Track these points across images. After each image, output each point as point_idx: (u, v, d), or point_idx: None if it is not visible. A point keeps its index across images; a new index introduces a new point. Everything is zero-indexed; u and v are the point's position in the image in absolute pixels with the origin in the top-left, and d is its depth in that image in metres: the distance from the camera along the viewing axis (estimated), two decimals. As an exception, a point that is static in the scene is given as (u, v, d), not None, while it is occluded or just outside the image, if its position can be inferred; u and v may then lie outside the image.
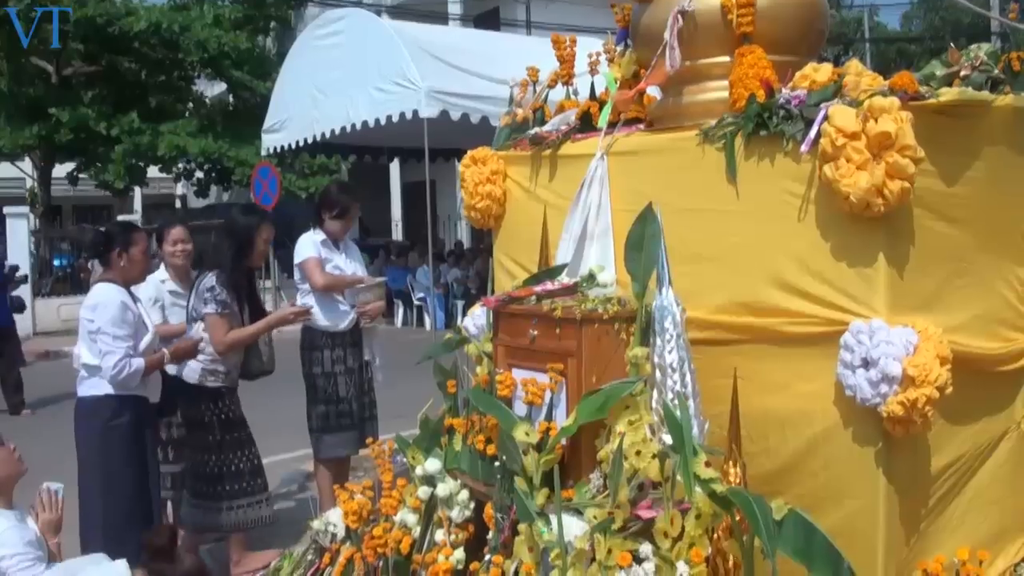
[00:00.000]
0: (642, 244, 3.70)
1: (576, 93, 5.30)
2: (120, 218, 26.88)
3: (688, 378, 3.54)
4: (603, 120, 4.59)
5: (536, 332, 3.86)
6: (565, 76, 5.26)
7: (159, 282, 6.19)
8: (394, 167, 27.54)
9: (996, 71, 3.88)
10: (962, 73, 3.83)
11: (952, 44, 4.04)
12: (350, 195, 6.60)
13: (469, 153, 5.16)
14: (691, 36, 4.22)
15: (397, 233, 29.37)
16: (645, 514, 3.26)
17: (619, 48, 5.09)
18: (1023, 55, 4.05)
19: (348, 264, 6.48)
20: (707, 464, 3.16)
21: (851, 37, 36.83)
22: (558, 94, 5.32)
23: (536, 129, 4.95)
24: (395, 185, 29.85)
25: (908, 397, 3.28)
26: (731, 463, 3.73)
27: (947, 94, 3.55)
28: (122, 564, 4.06)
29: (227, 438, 5.69)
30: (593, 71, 5.15)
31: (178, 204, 38.21)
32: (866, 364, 3.36)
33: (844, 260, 3.54)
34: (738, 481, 3.66)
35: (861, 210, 3.39)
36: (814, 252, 3.61)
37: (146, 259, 5.36)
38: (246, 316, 5.76)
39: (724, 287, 3.90)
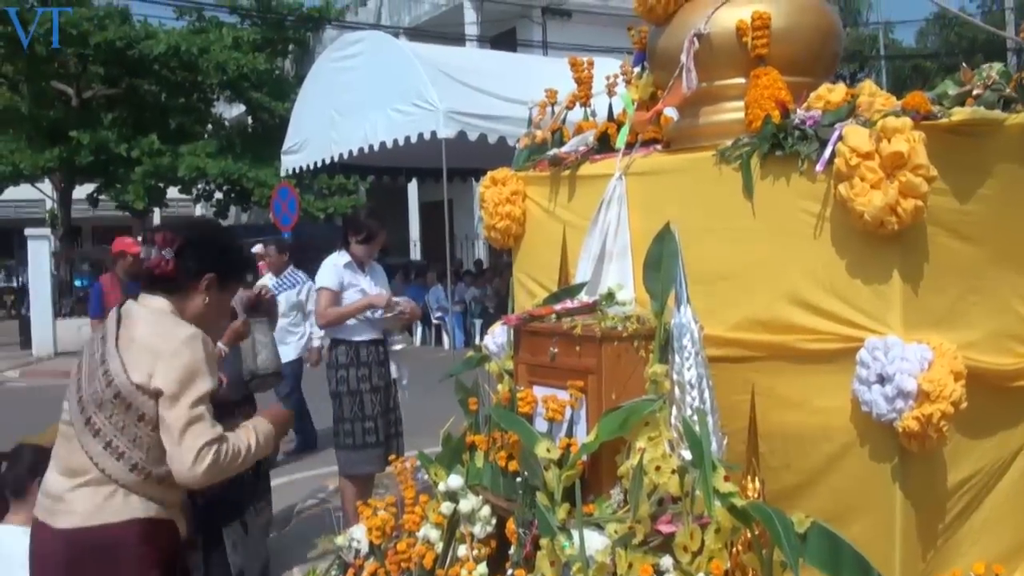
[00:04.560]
0: (660, 263, 3.75)
1: (594, 114, 5.36)
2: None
3: (707, 395, 3.59)
4: (621, 141, 4.64)
5: (556, 350, 3.92)
6: (583, 98, 5.33)
7: None
8: (412, 187, 27.61)
9: (1008, 90, 3.92)
10: (974, 92, 3.87)
11: (965, 63, 4.07)
12: (378, 221, 6.66)
13: (489, 174, 5.22)
14: (707, 58, 4.26)
15: (415, 253, 29.45)
16: (665, 528, 3.31)
17: (636, 70, 5.14)
18: (1035, 74, 4.09)
19: (373, 287, 6.55)
20: (726, 479, 3.21)
21: (867, 54, 36.78)
22: (576, 115, 5.39)
23: (555, 150, 5.01)
24: (413, 205, 29.91)
25: (923, 412, 3.31)
26: (750, 478, 3.78)
27: (959, 113, 3.60)
28: None
29: None
30: (611, 92, 5.21)
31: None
32: (882, 380, 3.40)
33: (859, 277, 3.58)
34: (757, 495, 3.71)
35: (875, 228, 3.44)
36: (830, 270, 3.65)
37: None
38: None
39: (741, 305, 3.95)
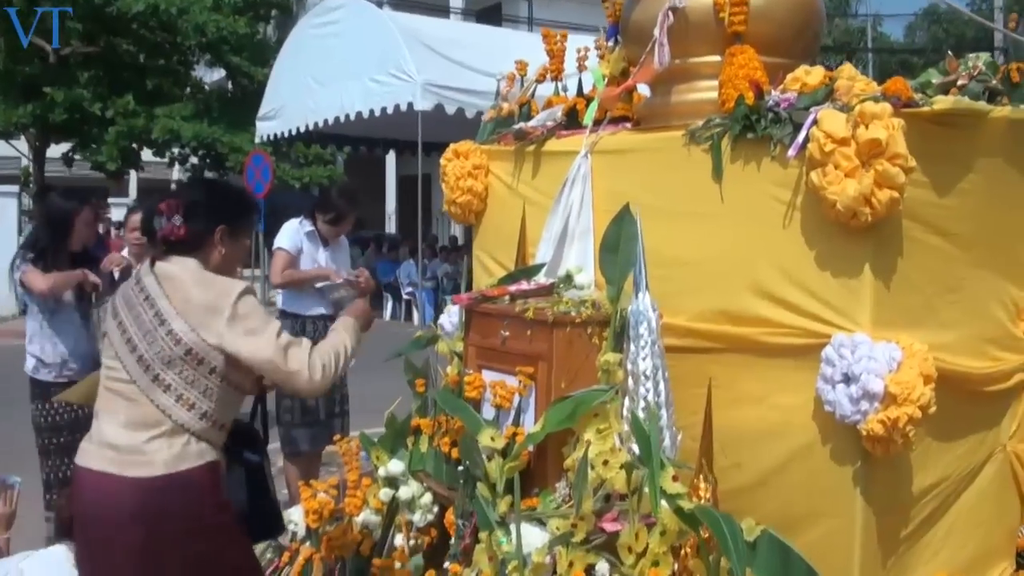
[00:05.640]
0: (618, 246, 3.58)
1: (565, 90, 5.17)
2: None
3: (662, 387, 3.41)
4: (589, 117, 4.46)
5: (507, 333, 3.74)
6: (554, 71, 5.14)
7: None
8: (390, 160, 27.49)
9: (994, 81, 3.77)
10: (959, 82, 3.73)
11: (950, 54, 3.93)
12: (349, 201, 6.48)
13: (451, 147, 5.02)
14: (682, 33, 4.08)
15: (391, 226, 29.31)
16: (610, 527, 3.14)
17: (610, 44, 4.96)
18: (1023, 66, 3.94)
19: (329, 263, 6.39)
20: (675, 478, 3.04)
21: (855, 46, 36.77)
22: (547, 90, 5.19)
23: (521, 124, 4.82)
24: (391, 178, 29.80)
25: (889, 415, 3.15)
26: (702, 476, 3.61)
27: (941, 103, 3.42)
28: (60, 549, 3.93)
29: (54, 442, 5.49)
30: (581, 67, 5.03)
31: (173, 188, 38.14)
32: (847, 379, 3.23)
33: (829, 270, 3.41)
34: (708, 497, 3.54)
35: (848, 219, 3.27)
36: (798, 261, 3.48)
37: None
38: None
39: (703, 293, 3.77)
